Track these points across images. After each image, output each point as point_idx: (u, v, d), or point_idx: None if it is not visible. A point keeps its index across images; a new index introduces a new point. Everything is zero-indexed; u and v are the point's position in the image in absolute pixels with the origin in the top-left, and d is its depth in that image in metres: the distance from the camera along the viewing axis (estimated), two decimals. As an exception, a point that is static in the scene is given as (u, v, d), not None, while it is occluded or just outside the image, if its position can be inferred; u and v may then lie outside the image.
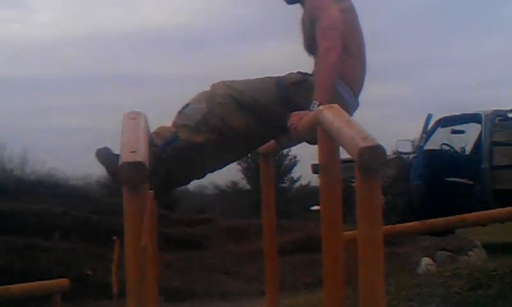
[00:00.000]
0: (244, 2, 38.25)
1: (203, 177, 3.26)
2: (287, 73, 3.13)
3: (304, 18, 3.18)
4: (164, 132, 3.03)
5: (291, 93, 3.03)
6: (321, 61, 2.97)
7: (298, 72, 3.13)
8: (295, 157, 26.05)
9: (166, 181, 3.02)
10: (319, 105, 2.74)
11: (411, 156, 11.27)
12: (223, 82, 3.09)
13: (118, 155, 2.88)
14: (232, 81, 3.09)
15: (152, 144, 2.79)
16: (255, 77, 3.14)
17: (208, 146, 3.01)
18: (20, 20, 36.93)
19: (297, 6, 3.23)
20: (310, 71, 3.15)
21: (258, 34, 40.13)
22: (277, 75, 3.12)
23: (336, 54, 2.92)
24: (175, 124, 3.06)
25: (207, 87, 3.14)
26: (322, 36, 2.95)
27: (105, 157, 2.88)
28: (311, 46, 3.13)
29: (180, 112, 3.08)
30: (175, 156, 2.98)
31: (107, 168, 2.88)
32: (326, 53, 2.93)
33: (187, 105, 3.08)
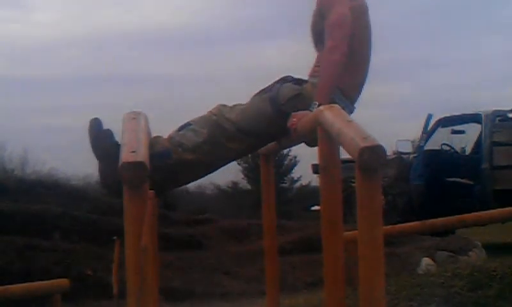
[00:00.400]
0: (245, 3, 38.25)
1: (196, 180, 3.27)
2: (280, 79, 3.09)
3: (315, 11, 3.13)
4: (157, 144, 2.95)
5: (286, 108, 2.98)
6: (325, 59, 2.93)
7: (291, 81, 3.07)
8: (295, 157, 26.09)
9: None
10: (319, 106, 2.71)
11: (412, 156, 11.27)
12: (221, 111, 3.04)
13: (111, 140, 2.86)
14: (231, 108, 3.05)
15: None
16: (249, 100, 3.09)
17: (200, 165, 3.00)
18: (20, 20, 36.95)
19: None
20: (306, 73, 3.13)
21: (258, 34, 40.14)
22: (269, 88, 3.07)
23: (340, 53, 2.87)
24: (171, 139, 2.99)
25: (208, 107, 3.09)
26: (329, 34, 2.90)
27: (97, 138, 2.85)
28: (317, 40, 3.10)
29: (180, 129, 3.02)
30: (162, 169, 2.91)
31: (99, 157, 2.87)
32: (330, 51, 2.89)
33: (188, 124, 3.03)
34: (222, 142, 2.98)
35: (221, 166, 3.14)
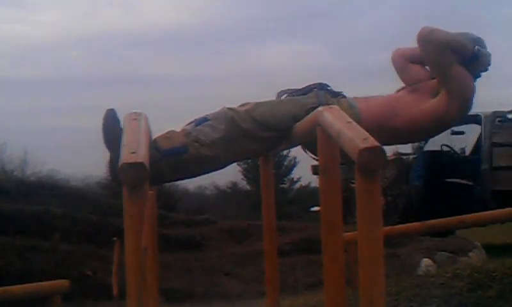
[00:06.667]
0: (245, 3, 38.29)
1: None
2: (316, 84, 3.07)
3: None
4: (173, 139, 2.89)
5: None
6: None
7: (329, 91, 3.06)
8: (295, 157, 26.11)
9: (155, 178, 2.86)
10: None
11: (411, 157, 11.27)
12: (241, 107, 2.99)
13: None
14: (254, 104, 3.00)
15: (152, 145, 2.75)
16: (277, 99, 3.08)
17: (215, 161, 2.95)
18: (20, 20, 37.02)
19: None
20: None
21: (258, 34, 40.18)
22: (302, 91, 3.07)
23: None
24: (187, 134, 2.91)
25: (209, 108, 3.03)
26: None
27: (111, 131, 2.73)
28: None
29: (196, 124, 2.95)
30: (175, 164, 2.88)
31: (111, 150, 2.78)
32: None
33: (205, 119, 2.96)
34: (239, 140, 2.94)
35: (236, 162, 3.11)
